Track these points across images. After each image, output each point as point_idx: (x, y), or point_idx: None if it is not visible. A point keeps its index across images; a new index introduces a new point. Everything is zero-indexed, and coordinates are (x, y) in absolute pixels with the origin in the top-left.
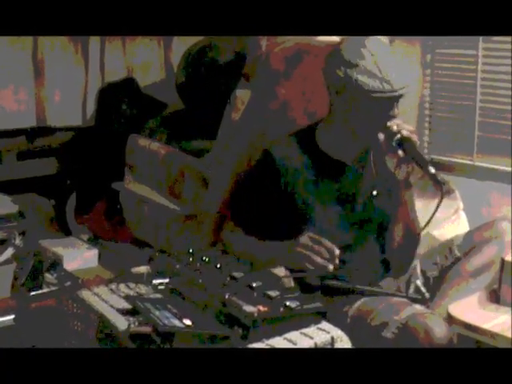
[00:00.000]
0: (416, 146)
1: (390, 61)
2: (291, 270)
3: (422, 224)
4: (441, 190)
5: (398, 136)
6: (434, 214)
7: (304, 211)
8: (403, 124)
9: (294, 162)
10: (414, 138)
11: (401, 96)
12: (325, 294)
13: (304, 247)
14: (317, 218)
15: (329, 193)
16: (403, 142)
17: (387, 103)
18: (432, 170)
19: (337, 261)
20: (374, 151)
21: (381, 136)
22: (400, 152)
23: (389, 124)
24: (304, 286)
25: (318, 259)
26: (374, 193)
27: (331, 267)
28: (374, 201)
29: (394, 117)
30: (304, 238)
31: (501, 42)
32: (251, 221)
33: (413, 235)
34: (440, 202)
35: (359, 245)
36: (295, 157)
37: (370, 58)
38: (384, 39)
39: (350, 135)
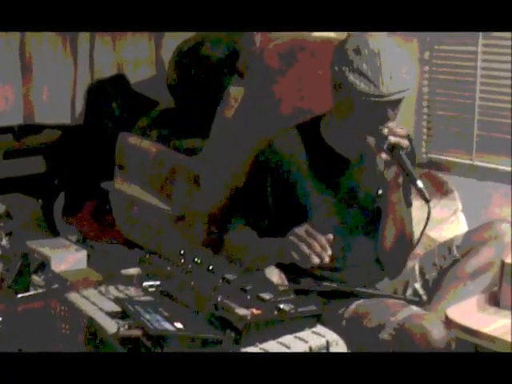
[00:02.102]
0: (403, 156)
1: (389, 63)
2: (284, 272)
3: (415, 223)
4: (428, 206)
5: (387, 141)
6: (423, 230)
7: (304, 204)
8: (396, 128)
9: (298, 154)
10: (405, 143)
11: (396, 100)
12: (320, 296)
13: (296, 237)
14: (316, 212)
15: (331, 188)
16: (393, 149)
17: (378, 106)
18: (420, 184)
19: (326, 258)
20: (367, 150)
21: (370, 139)
22: (387, 156)
23: (380, 127)
24: (299, 290)
25: (306, 251)
26: (380, 192)
27: (317, 261)
28: (378, 200)
29: (387, 120)
30: (299, 229)
31: (501, 39)
32: (252, 212)
33: (404, 238)
34: (427, 219)
35: (358, 243)
36: (299, 149)
37: (366, 57)
38: (393, 39)
39: (350, 131)
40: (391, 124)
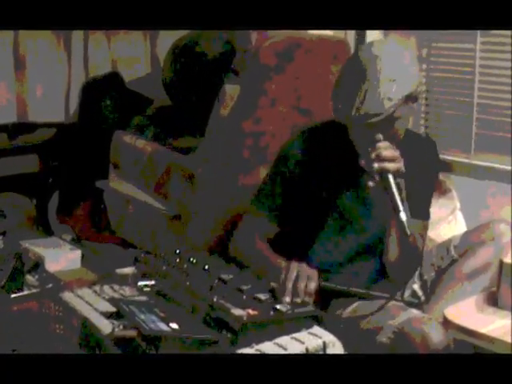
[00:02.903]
0: (390, 183)
1: (381, 79)
2: None
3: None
4: (408, 240)
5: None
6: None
7: (320, 206)
8: (383, 151)
9: (321, 155)
10: (392, 167)
11: (379, 123)
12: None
13: (287, 273)
14: (330, 213)
15: (349, 191)
16: (381, 173)
17: (363, 128)
18: (403, 217)
19: (307, 299)
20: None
21: (362, 162)
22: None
23: (369, 149)
24: None
25: (288, 286)
26: (371, 184)
27: (288, 300)
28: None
29: (374, 141)
30: (293, 266)
31: (500, 36)
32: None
33: (410, 254)
34: (420, 256)
35: (361, 257)
36: (322, 151)
37: (351, 77)
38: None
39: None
40: (381, 144)
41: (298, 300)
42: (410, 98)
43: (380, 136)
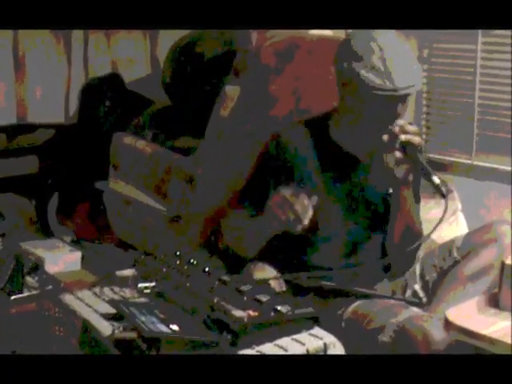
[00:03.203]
0: (417, 153)
1: (399, 57)
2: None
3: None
4: (445, 202)
5: (399, 139)
6: (436, 226)
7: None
8: (407, 125)
9: (304, 151)
10: (417, 141)
11: (406, 96)
12: (318, 296)
13: (277, 205)
14: (322, 209)
15: (338, 186)
16: (405, 146)
17: (390, 101)
18: (436, 179)
19: (306, 221)
20: (379, 149)
21: (384, 137)
22: (400, 154)
23: (391, 125)
24: (296, 289)
25: (287, 215)
26: (390, 191)
27: (299, 228)
28: (388, 199)
29: (397, 116)
30: (279, 196)
31: (501, 36)
32: (257, 205)
33: (413, 235)
34: (444, 213)
35: (364, 243)
36: (306, 145)
37: (377, 52)
38: (398, 34)
39: (359, 129)
40: (401, 121)
41: (306, 221)
42: None
43: (404, 109)
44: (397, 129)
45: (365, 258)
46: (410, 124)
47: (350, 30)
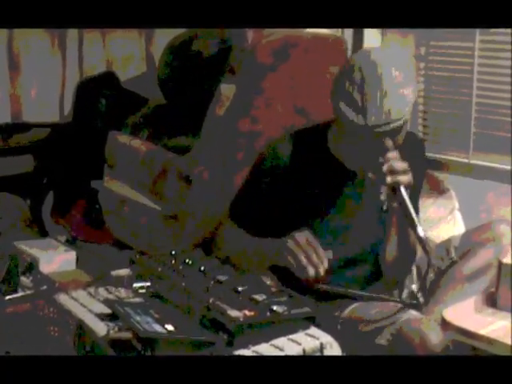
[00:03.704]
0: (404, 199)
1: (381, 89)
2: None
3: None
4: (427, 257)
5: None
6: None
7: (305, 214)
8: (395, 163)
9: (301, 161)
10: (405, 180)
11: (391, 130)
12: (314, 298)
13: (295, 243)
14: (317, 222)
15: (334, 199)
16: (393, 187)
17: (370, 137)
18: (420, 232)
19: (322, 272)
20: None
21: (371, 175)
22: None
23: (380, 160)
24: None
25: (304, 260)
26: (384, 207)
27: (312, 273)
28: (382, 215)
29: (385, 150)
30: (299, 236)
31: (499, 34)
32: (251, 219)
33: (407, 250)
34: (427, 271)
35: (358, 253)
36: (303, 156)
37: (359, 84)
38: (393, 58)
39: (353, 149)
40: (390, 155)
41: (322, 273)
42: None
43: (391, 143)
44: (384, 168)
45: (356, 270)
46: (399, 161)
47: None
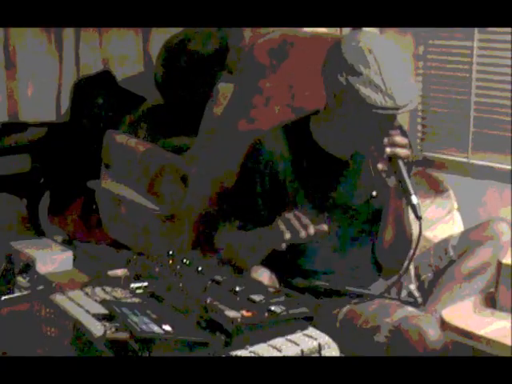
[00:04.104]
0: (401, 168)
1: (397, 70)
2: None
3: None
4: (419, 224)
5: (386, 151)
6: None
7: (295, 205)
8: (395, 137)
9: (286, 155)
10: (404, 153)
11: (403, 111)
12: (312, 296)
13: (288, 215)
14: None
15: (323, 188)
16: (391, 158)
17: (387, 118)
18: (414, 199)
19: (312, 230)
20: (367, 157)
21: (372, 148)
22: (385, 165)
23: (383, 136)
24: (291, 289)
25: (296, 223)
26: (374, 193)
27: (303, 234)
28: (372, 202)
29: (391, 129)
30: (289, 212)
31: (497, 33)
32: (241, 215)
33: (404, 238)
34: (418, 238)
35: (352, 246)
36: (287, 149)
37: (375, 66)
38: (390, 40)
39: (345, 136)
40: (392, 132)
41: (312, 230)
42: None
43: (398, 122)
44: (385, 140)
45: (357, 261)
46: (400, 136)
47: (340, 33)
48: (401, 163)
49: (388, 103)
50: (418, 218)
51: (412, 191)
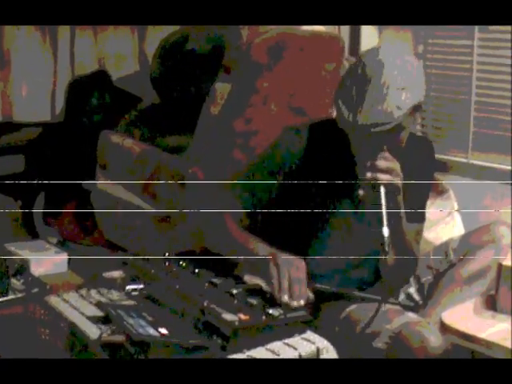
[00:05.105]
0: (380, 195)
1: (388, 89)
2: None
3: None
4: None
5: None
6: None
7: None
8: (378, 161)
9: (305, 154)
10: (383, 178)
11: (381, 132)
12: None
13: (286, 265)
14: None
15: (336, 190)
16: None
17: (360, 136)
18: (385, 232)
19: (295, 304)
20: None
21: (356, 169)
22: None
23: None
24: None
25: (285, 285)
26: (361, 193)
27: (285, 300)
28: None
29: (376, 150)
30: (294, 260)
31: (498, 32)
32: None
33: (407, 259)
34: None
35: (358, 246)
36: (306, 148)
37: (361, 81)
38: (408, 55)
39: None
40: (379, 154)
41: (302, 302)
42: (417, 108)
43: (384, 147)
44: (368, 164)
45: (356, 262)
46: (389, 160)
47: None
48: (382, 190)
49: (349, 118)
50: (385, 252)
51: (385, 222)
